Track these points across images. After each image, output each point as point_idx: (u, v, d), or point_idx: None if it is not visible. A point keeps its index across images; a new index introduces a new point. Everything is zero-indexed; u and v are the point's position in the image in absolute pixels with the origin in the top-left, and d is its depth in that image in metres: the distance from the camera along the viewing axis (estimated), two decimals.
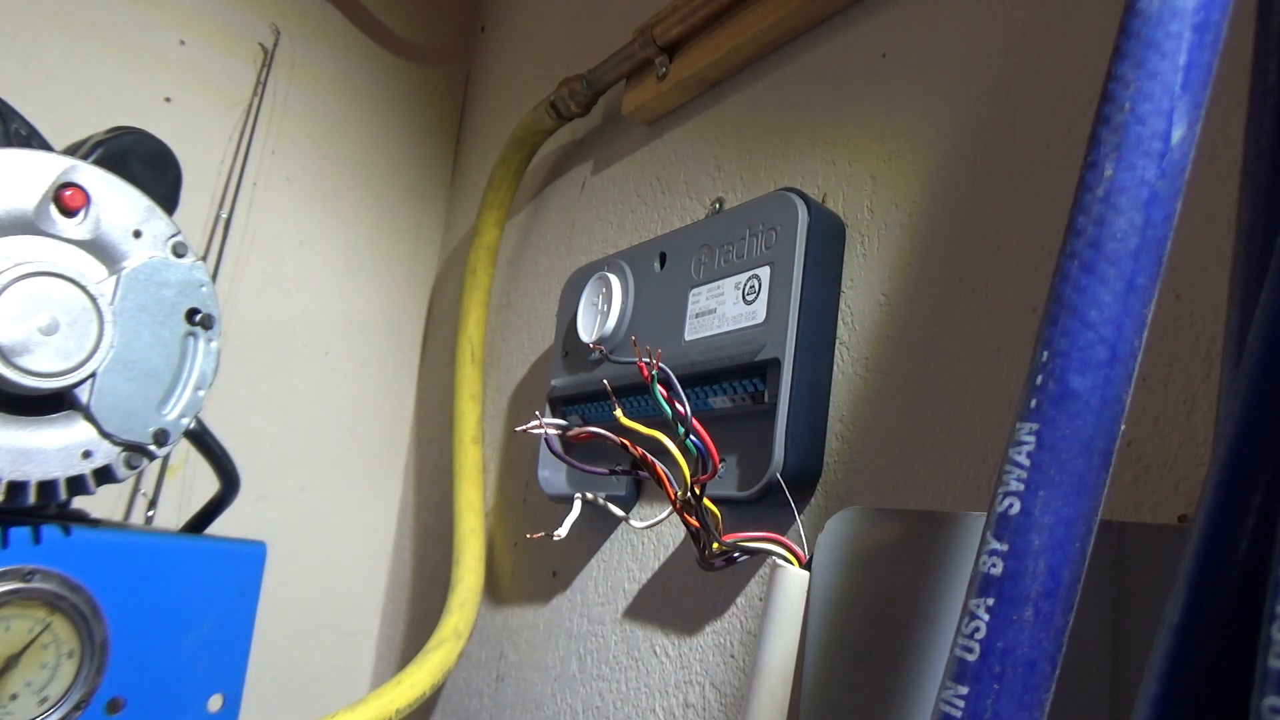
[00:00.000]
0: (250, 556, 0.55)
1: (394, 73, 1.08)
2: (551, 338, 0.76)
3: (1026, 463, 0.23)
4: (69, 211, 0.47)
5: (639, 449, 0.43)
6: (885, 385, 0.46)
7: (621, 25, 0.77)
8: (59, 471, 0.45)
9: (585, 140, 0.82)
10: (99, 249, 0.48)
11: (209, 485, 0.62)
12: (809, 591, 0.41)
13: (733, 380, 0.50)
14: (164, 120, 0.89)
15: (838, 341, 0.49)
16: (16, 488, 0.44)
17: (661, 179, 0.69)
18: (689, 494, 0.42)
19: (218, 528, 0.62)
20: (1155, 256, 0.23)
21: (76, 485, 0.47)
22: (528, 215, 0.90)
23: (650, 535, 0.61)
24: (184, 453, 0.84)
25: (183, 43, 0.92)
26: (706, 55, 0.61)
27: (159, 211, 0.50)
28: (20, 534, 0.46)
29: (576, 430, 0.44)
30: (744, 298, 0.50)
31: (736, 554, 0.44)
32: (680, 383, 0.41)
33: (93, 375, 0.46)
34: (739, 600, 0.52)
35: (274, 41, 0.98)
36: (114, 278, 0.48)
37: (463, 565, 0.75)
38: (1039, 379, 0.23)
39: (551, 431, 0.45)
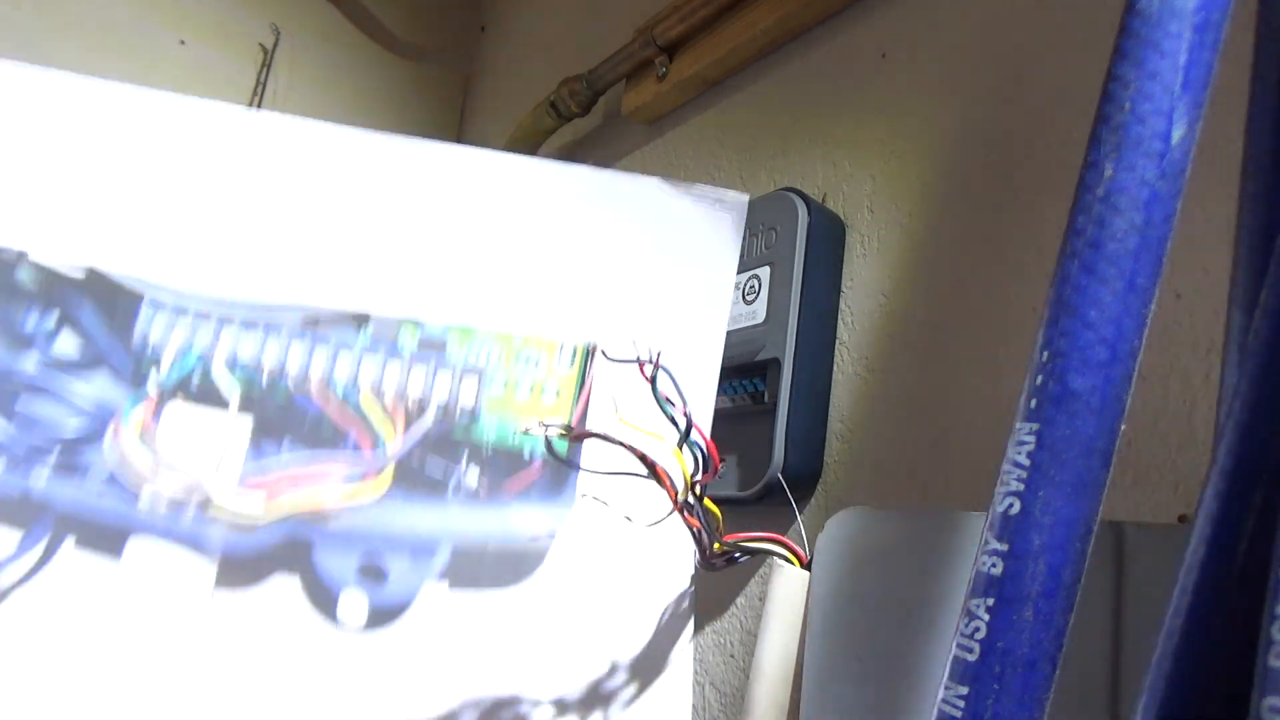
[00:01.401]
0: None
1: (394, 73, 1.08)
2: None
3: (1027, 463, 0.23)
4: None
5: (639, 449, 0.43)
6: (885, 385, 0.46)
7: (621, 25, 0.77)
8: None
9: (585, 140, 0.82)
10: None
11: None
12: (809, 591, 0.41)
13: (733, 380, 0.50)
14: None
15: (838, 341, 0.49)
16: None
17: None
18: (689, 494, 0.42)
19: None
20: (1155, 256, 0.23)
21: None
22: None
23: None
24: None
25: (183, 43, 0.92)
26: (706, 55, 0.61)
27: None
28: None
29: (577, 430, 0.44)
30: (744, 298, 0.50)
31: (737, 554, 0.44)
32: None
33: None
34: (739, 600, 0.52)
35: (274, 41, 0.98)
36: None
37: None
38: (1039, 379, 0.23)
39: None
